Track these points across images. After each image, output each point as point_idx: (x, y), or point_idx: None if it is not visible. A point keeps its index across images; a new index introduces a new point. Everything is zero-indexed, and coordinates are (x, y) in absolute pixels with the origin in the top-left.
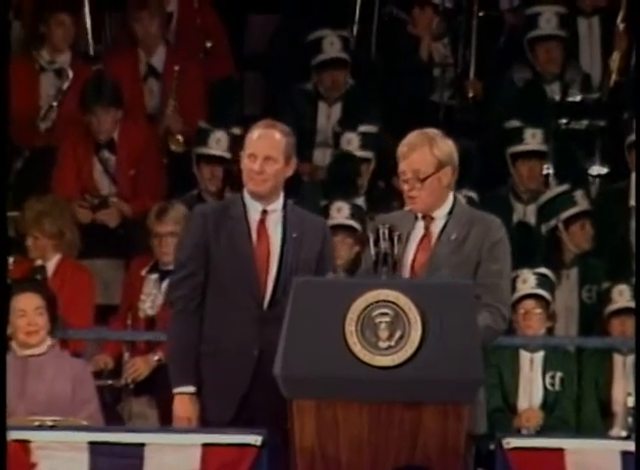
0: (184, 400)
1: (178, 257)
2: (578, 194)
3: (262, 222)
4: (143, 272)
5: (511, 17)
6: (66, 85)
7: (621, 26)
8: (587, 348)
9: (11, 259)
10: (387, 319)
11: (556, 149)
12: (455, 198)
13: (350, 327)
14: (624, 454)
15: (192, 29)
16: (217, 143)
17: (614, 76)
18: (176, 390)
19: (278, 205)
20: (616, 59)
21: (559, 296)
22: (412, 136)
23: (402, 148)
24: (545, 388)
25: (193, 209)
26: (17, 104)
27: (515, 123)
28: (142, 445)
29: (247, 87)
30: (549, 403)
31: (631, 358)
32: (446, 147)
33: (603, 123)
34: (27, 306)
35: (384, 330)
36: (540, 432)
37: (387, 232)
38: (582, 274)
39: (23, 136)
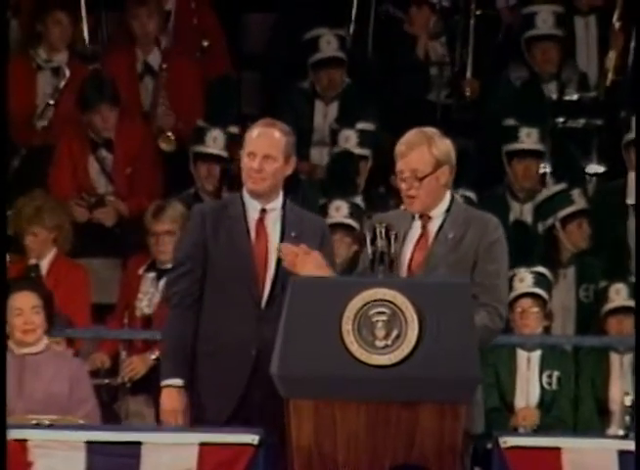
0: (171, 393)
1: (176, 255)
2: (576, 193)
3: (261, 221)
4: (140, 271)
5: (508, 15)
6: (62, 84)
7: (617, 25)
8: (584, 347)
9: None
10: (383, 318)
11: (553, 148)
12: (452, 197)
13: (347, 326)
14: (621, 453)
15: (189, 29)
16: (214, 142)
17: (610, 75)
18: (164, 382)
19: (277, 203)
20: (612, 58)
21: (556, 295)
22: (410, 135)
23: (400, 147)
24: (542, 387)
25: (192, 207)
26: (14, 102)
27: (511, 122)
28: (139, 443)
29: (244, 86)
30: (546, 402)
31: (628, 357)
32: (444, 146)
33: (600, 122)
34: (24, 305)
35: (380, 329)
36: (537, 431)
37: (383, 231)
38: (579, 273)
39: (20, 135)
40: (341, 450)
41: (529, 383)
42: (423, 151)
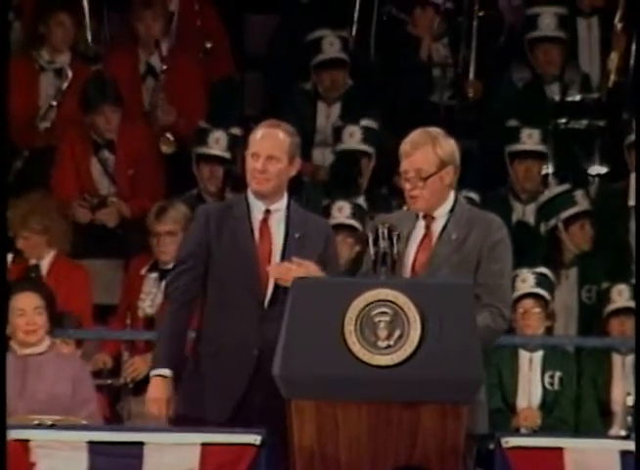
0: (157, 383)
1: (179, 253)
2: (578, 194)
3: (265, 222)
4: (142, 271)
5: (511, 16)
6: (65, 85)
7: (619, 27)
8: (586, 347)
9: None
10: (386, 319)
11: (556, 149)
12: (456, 197)
13: (349, 326)
14: (623, 454)
15: (192, 30)
16: (217, 143)
17: (612, 76)
18: (152, 372)
19: (281, 204)
20: (614, 59)
21: (558, 295)
22: (415, 135)
23: (405, 146)
24: (544, 387)
25: (197, 208)
26: (16, 104)
27: (513, 123)
28: (141, 444)
29: (246, 87)
30: (548, 403)
31: (630, 358)
32: (449, 146)
33: (602, 123)
34: (26, 306)
35: (383, 329)
36: (539, 431)
37: (386, 231)
38: (582, 274)
39: (23, 136)
40: (343, 451)
41: (531, 383)
42: (427, 151)
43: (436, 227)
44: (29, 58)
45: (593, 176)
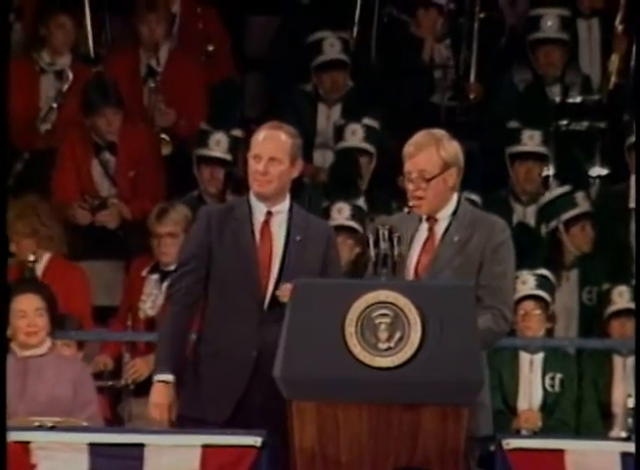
0: (160, 388)
1: (181, 255)
2: (579, 195)
3: (266, 223)
4: (143, 273)
5: (512, 18)
6: (66, 87)
7: (620, 28)
8: (587, 349)
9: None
10: (386, 320)
11: (556, 150)
12: (459, 199)
13: (350, 328)
14: (624, 455)
15: (194, 33)
16: (217, 145)
17: (613, 78)
18: (155, 377)
19: (283, 206)
20: (615, 61)
21: (559, 297)
22: (419, 136)
23: (409, 148)
24: (545, 389)
25: (199, 209)
26: (17, 106)
27: (514, 125)
28: (142, 445)
29: (247, 89)
30: (549, 405)
31: (631, 360)
32: (452, 148)
33: (603, 125)
34: (28, 307)
35: (383, 331)
36: (540, 433)
37: (386, 233)
38: (582, 276)
39: (24, 138)
40: (343, 452)
41: (532, 385)
42: (431, 152)
43: (439, 229)
44: (30, 59)
45: (594, 178)
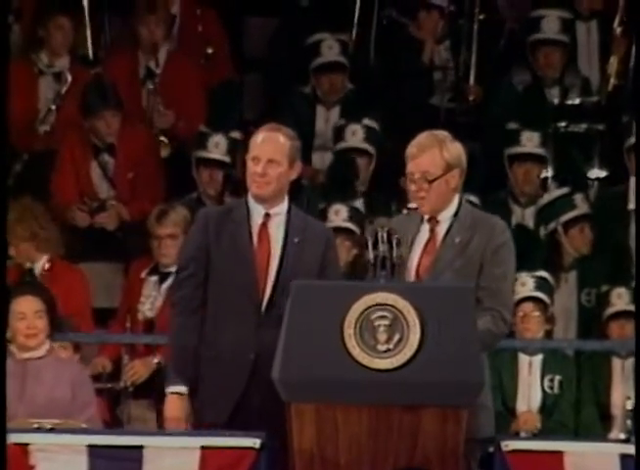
0: (174, 401)
1: (180, 259)
2: (578, 197)
3: (264, 225)
4: (143, 274)
5: (511, 20)
6: (64, 89)
7: (619, 30)
8: (586, 351)
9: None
10: (385, 322)
11: (555, 152)
12: (460, 201)
13: (349, 330)
14: (623, 457)
15: (194, 35)
16: (216, 147)
17: (612, 80)
18: (168, 389)
19: (281, 208)
20: (614, 63)
21: (558, 299)
22: (422, 137)
23: (412, 149)
24: (544, 391)
25: (198, 211)
26: (16, 107)
27: (513, 126)
28: (141, 447)
29: (246, 90)
30: (548, 407)
31: (630, 362)
32: (455, 150)
33: (602, 127)
34: (27, 310)
35: (382, 333)
36: (539, 435)
37: (385, 235)
38: (581, 277)
39: (22, 140)
40: (342, 454)
41: (531, 387)
42: (434, 153)
43: (441, 231)
44: (29, 61)
45: (593, 180)
